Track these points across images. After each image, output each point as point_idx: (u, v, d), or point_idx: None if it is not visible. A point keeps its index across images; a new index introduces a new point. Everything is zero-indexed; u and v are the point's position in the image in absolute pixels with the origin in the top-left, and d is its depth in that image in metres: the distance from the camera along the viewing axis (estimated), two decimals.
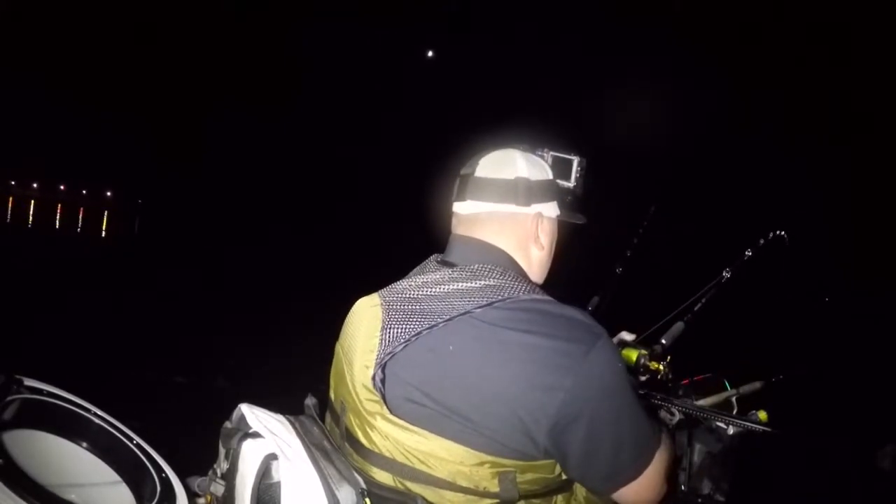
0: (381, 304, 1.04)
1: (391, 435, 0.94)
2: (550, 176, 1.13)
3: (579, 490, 1.01)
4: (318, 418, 1.09)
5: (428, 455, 0.92)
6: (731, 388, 1.61)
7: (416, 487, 0.93)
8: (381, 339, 0.98)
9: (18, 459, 1.20)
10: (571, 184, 1.19)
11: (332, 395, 1.13)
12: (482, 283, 0.98)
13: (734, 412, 1.57)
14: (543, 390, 0.89)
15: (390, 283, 1.13)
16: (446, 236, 1.17)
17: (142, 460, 1.31)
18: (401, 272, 1.16)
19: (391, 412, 0.95)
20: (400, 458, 0.94)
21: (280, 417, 1.04)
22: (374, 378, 0.96)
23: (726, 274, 1.62)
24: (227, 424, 1.03)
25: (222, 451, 1.02)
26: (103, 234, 30.60)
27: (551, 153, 1.18)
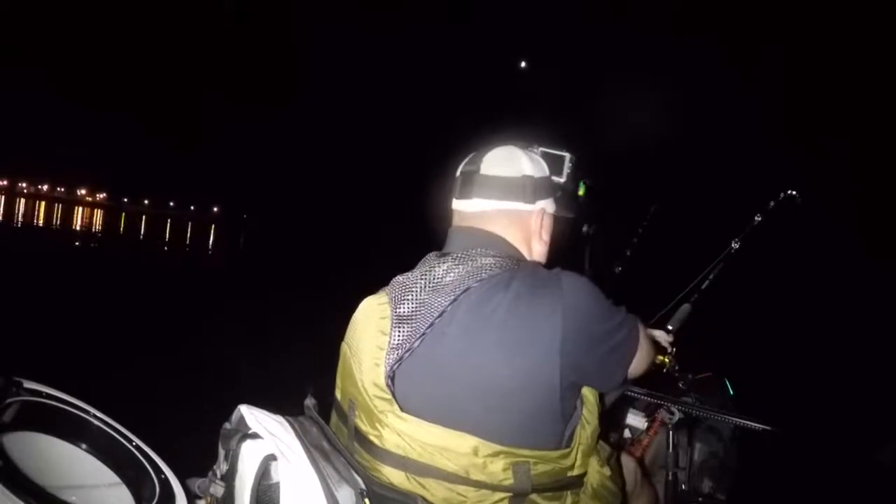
0: (389, 301, 1.05)
1: (403, 431, 0.95)
2: (548, 173, 1.18)
3: (589, 485, 1.02)
4: (317, 419, 1.09)
5: (441, 449, 0.93)
6: (730, 387, 1.61)
7: (429, 483, 0.94)
8: (392, 337, 1.00)
9: (18, 461, 1.20)
10: (563, 179, 1.22)
11: (338, 394, 1.14)
12: (471, 265, 1.03)
13: (734, 412, 1.57)
14: (541, 341, 0.94)
15: (390, 281, 1.13)
16: (444, 234, 1.17)
17: (141, 462, 1.31)
18: (400, 270, 1.17)
19: (402, 409, 0.96)
20: (412, 455, 0.94)
21: (279, 418, 1.03)
22: (386, 376, 0.98)
23: (735, 245, 1.50)
24: (227, 425, 1.03)
25: (222, 452, 1.01)
26: (210, 247, 31.79)
27: (541, 149, 1.21)
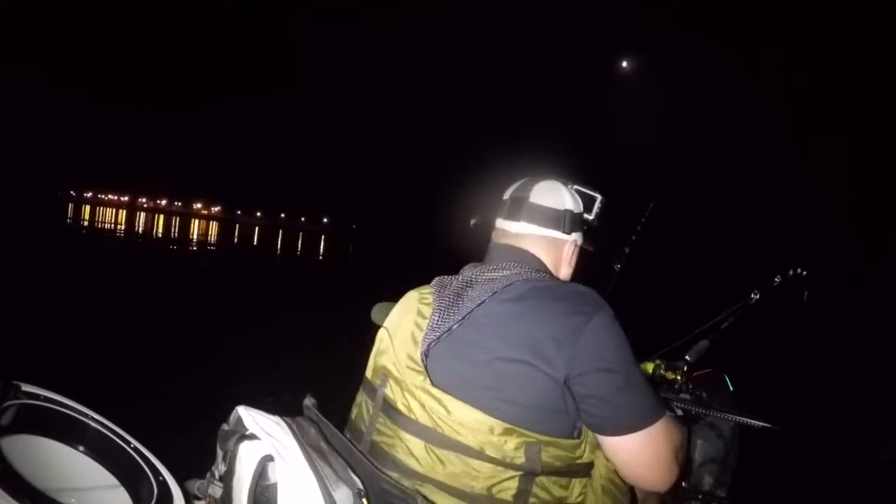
0: (434, 292, 1.21)
1: (428, 404, 1.05)
2: (582, 209, 1.32)
3: (597, 477, 1.07)
4: (316, 419, 1.09)
5: (460, 424, 1.02)
6: (730, 384, 1.61)
7: (446, 455, 1.03)
8: (433, 319, 1.13)
9: (17, 464, 1.20)
10: (591, 217, 1.35)
11: (369, 373, 1.22)
12: (511, 270, 1.17)
13: (735, 409, 1.57)
14: (557, 344, 1.03)
15: (389, 295, 1.30)
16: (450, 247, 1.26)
17: (139, 464, 1.31)
18: (404, 281, 1.22)
19: (433, 384, 1.07)
20: (434, 426, 1.04)
21: (277, 419, 1.04)
22: (422, 352, 1.10)
23: (755, 296, 1.71)
24: (225, 426, 1.03)
25: (220, 453, 1.01)
26: (321, 257, 33.47)
27: (575, 187, 1.34)
